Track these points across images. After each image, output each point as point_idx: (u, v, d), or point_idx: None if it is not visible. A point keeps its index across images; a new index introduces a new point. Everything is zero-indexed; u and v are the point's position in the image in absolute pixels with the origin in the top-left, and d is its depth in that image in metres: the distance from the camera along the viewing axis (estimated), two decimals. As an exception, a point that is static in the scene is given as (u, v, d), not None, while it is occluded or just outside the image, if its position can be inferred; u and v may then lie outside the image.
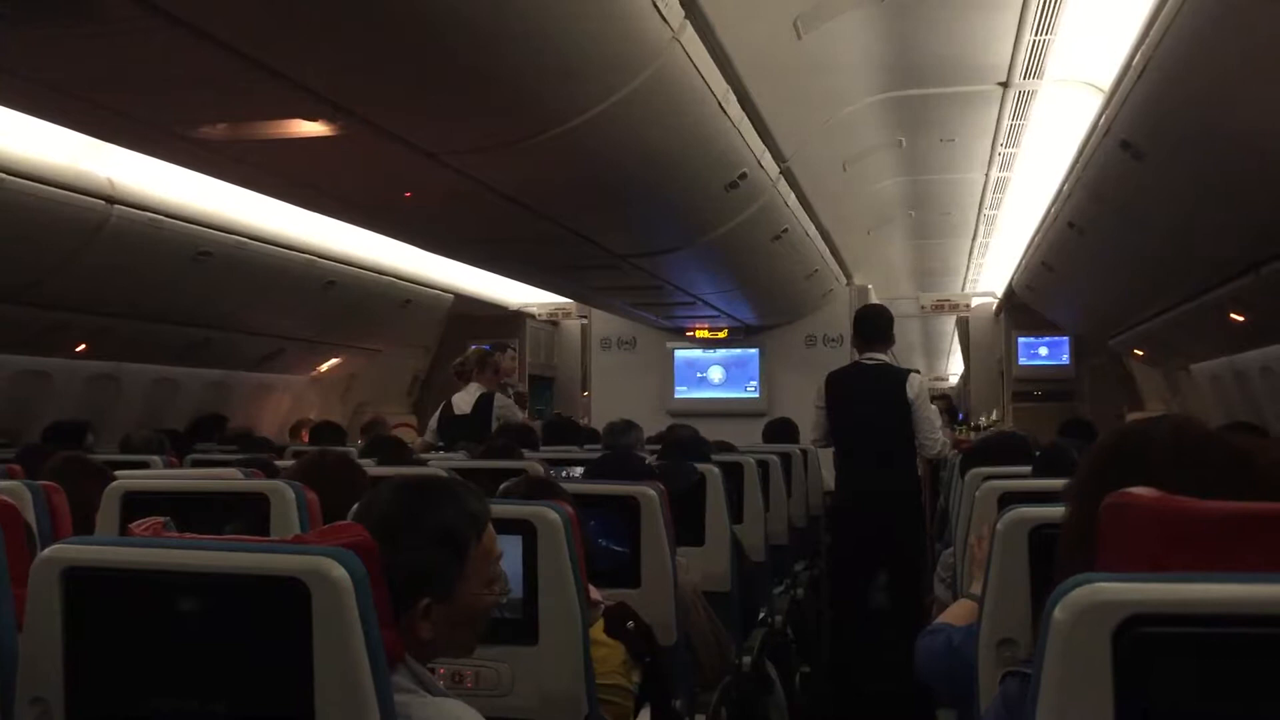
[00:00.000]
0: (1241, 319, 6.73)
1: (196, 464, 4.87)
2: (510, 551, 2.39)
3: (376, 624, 1.48)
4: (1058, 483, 2.68)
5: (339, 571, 1.45)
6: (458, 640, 1.83)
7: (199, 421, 7.52)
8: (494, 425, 6.55)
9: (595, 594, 2.73)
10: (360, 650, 1.45)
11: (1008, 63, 5.68)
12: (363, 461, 4.41)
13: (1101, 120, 4.98)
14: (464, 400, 7.23)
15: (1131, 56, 4.21)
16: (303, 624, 1.44)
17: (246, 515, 2.44)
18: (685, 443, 5.05)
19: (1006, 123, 6.76)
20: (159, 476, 3.70)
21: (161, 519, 1.75)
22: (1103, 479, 1.35)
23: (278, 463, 4.31)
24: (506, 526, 2.38)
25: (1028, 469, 3.62)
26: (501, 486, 2.96)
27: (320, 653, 1.44)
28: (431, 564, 1.76)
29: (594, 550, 3.16)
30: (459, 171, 4.12)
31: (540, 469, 4.22)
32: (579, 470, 4.63)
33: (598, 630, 2.67)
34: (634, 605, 2.92)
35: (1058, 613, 1.12)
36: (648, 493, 3.20)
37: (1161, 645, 1.08)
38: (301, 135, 3.68)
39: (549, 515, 2.42)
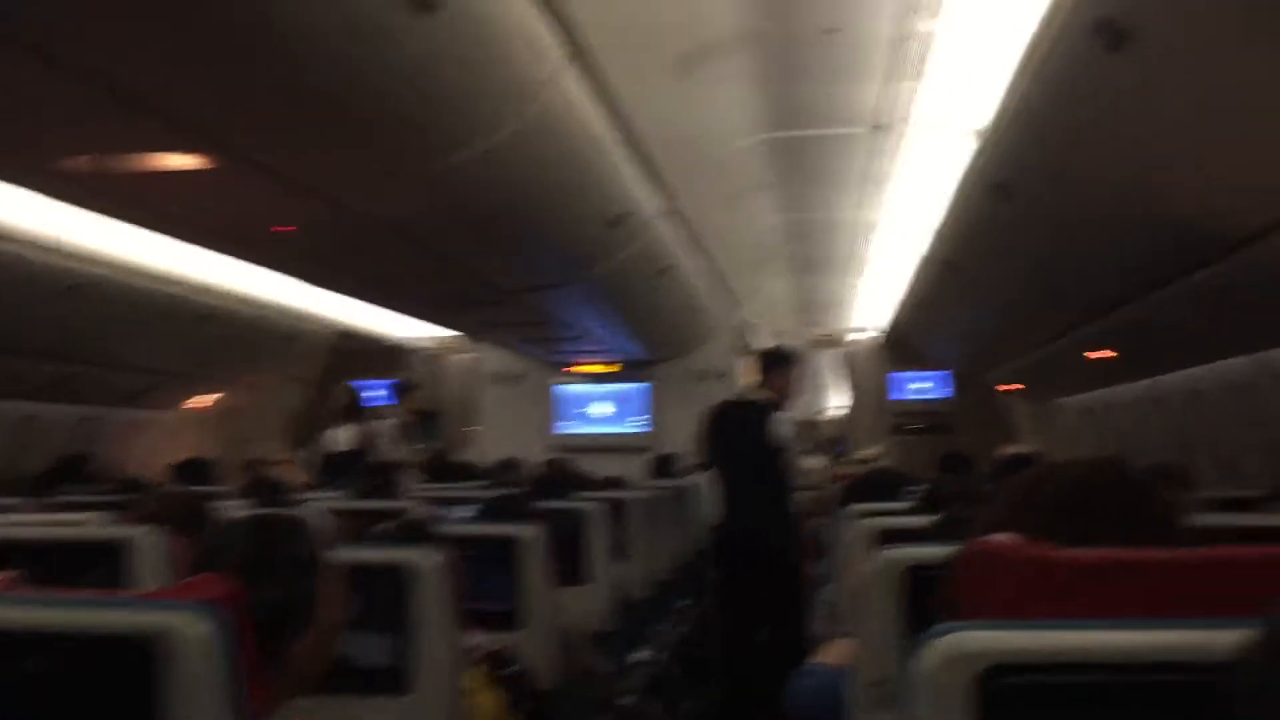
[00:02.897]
0: (1107, 356, 6.98)
1: (55, 508, 4.66)
2: (383, 598, 2.33)
3: (242, 683, 1.42)
4: (923, 519, 2.75)
5: (198, 629, 1.39)
6: (321, 667, 1.79)
7: (62, 461, 7.21)
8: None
9: (472, 639, 2.68)
10: (224, 715, 1.38)
11: (880, 106, 5.84)
12: (238, 503, 4.28)
13: (972, 163, 5.14)
14: (343, 437, 7.10)
15: (1001, 102, 4.35)
16: (156, 689, 1.37)
17: (107, 566, 2.33)
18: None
19: (882, 164, 6.94)
20: (5, 524, 3.51)
21: (14, 573, 1.66)
22: (1016, 523, 1.36)
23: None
24: (378, 573, 2.33)
25: (904, 505, 3.68)
26: (375, 530, 2.90)
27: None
28: (307, 593, 1.74)
29: (473, 593, 3.12)
30: (336, 205, 4.05)
31: (421, 509, 4.15)
32: (465, 510, 4.57)
33: (475, 677, 2.62)
34: (515, 648, 2.88)
35: (923, 661, 1.12)
36: (528, 533, 3.17)
37: (1023, 694, 1.09)
38: (171, 168, 3.58)
39: (422, 561, 2.36)
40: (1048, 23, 3.36)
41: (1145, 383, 7.41)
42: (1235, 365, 5.81)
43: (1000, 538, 1.30)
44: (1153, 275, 4.97)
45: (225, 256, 5.99)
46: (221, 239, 5.24)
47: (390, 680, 2.33)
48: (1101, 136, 3.69)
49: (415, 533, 2.83)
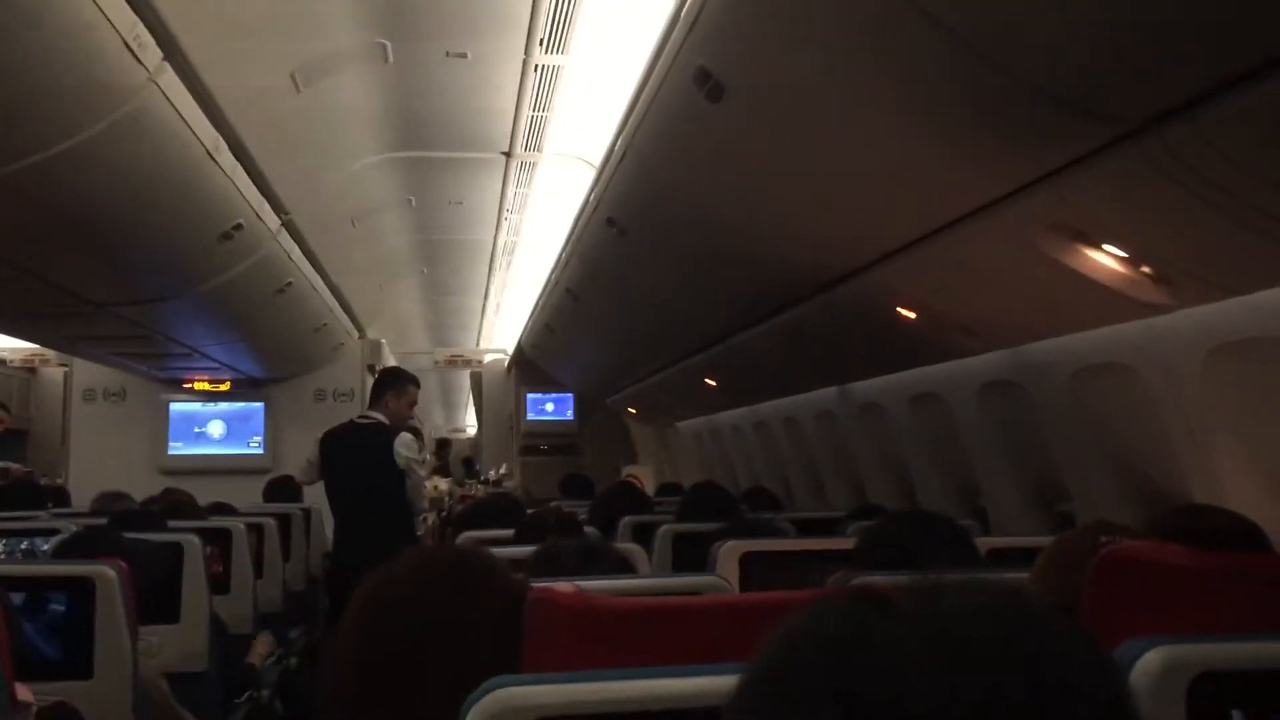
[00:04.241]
0: (714, 384, 7.42)
1: None
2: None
3: None
4: (527, 549, 2.79)
5: None
6: None
7: None
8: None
9: (25, 693, 2.41)
10: None
11: (509, 133, 5.92)
12: None
13: (591, 196, 5.31)
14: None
15: (614, 139, 4.52)
16: None
17: None
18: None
19: (511, 190, 7.03)
20: None
21: None
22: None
23: None
24: (-95, 627, 2.05)
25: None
26: (-84, 574, 2.56)
27: None
28: None
29: (36, 639, 2.85)
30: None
31: (-19, 545, 3.76)
32: (43, 543, 4.17)
33: (27, 737, 2.36)
34: (84, 700, 2.65)
35: (471, 717, 1.12)
36: (105, 573, 2.94)
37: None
38: None
39: (-39, 613, 2.11)
40: (654, 68, 3.52)
41: (749, 409, 7.93)
42: (824, 395, 6.33)
43: (561, 587, 1.32)
44: (750, 312, 5.34)
45: None
46: None
47: (-82, 748, 2.07)
48: (702, 181, 3.91)
49: (-39, 577, 2.53)
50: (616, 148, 4.42)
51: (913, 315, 4.04)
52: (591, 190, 5.31)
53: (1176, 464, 3.36)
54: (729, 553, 2.94)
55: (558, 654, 1.28)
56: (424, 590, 1.31)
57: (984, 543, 3.03)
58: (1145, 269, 2.83)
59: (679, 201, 4.32)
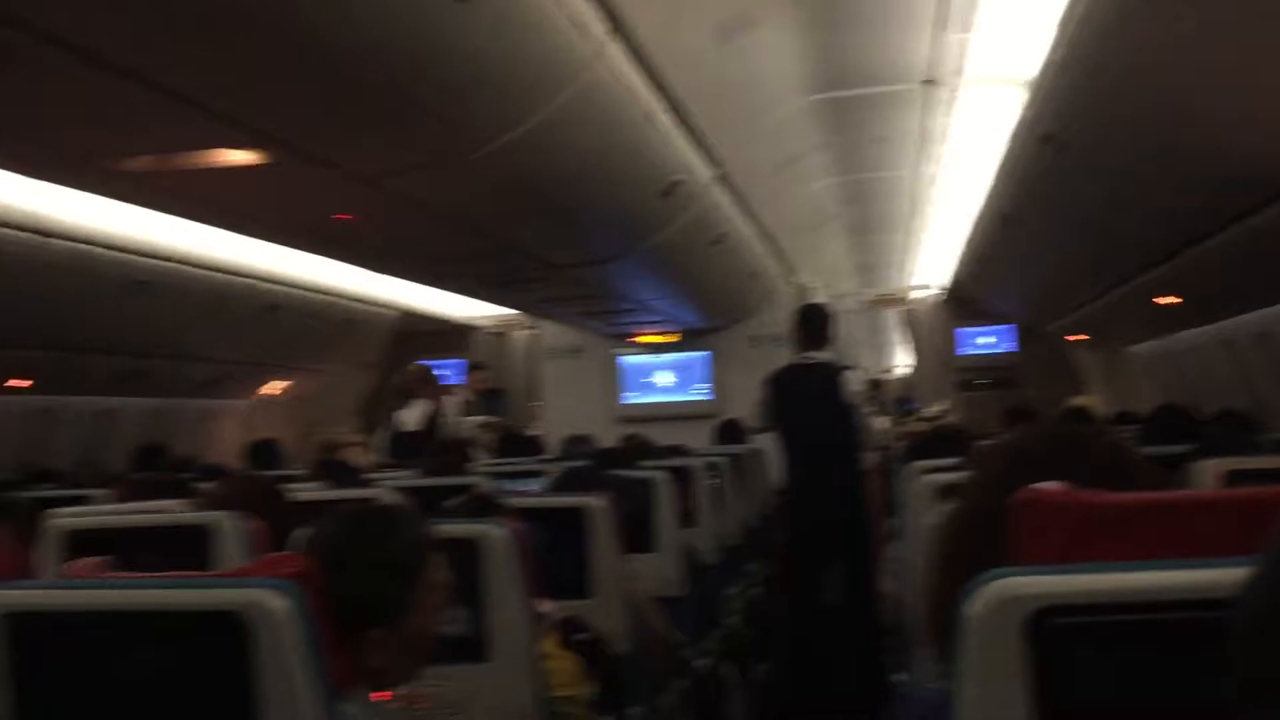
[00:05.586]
0: (1169, 302, 6.89)
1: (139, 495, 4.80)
2: (456, 570, 2.41)
3: (320, 655, 1.48)
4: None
5: (279, 603, 1.46)
6: (406, 667, 1.84)
7: (142, 452, 7.43)
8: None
9: (546, 607, 2.75)
10: (305, 683, 1.45)
11: (930, 61, 5.78)
12: (309, 485, 4.40)
13: (1024, 115, 5.08)
14: (411, 417, 7.23)
15: (1050, 52, 4.30)
16: (245, 659, 1.45)
17: (191, 549, 2.43)
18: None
19: (934, 119, 6.86)
20: (97, 513, 3.65)
21: (100, 559, 1.75)
22: (1003, 484, 1.38)
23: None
24: (451, 546, 2.39)
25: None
26: (445, 505, 2.97)
27: (265, 687, 1.45)
28: (381, 594, 1.77)
29: (544, 563, 3.20)
30: (393, 192, 4.13)
31: (489, 485, 4.24)
32: (534, 483, 4.65)
33: (549, 644, 2.69)
34: (586, 616, 2.95)
35: (971, 608, 1.15)
36: (595, 504, 3.23)
37: (1071, 636, 1.12)
38: (229, 164, 3.68)
39: (493, 533, 2.44)
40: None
41: (1212, 327, 7.29)
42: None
43: (1046, 486, 1.32)
44: (1212, 219, 4.90)
45: (287, 247, 6.12)
46: (282, 230, 5.37)
47: (469, 649, 2.41)
48: (1149, 84, 3.65)
49: (484, 506, 2.90)
50: (1049, 60, 4.22)
51: None
52: (1024, 108, 5.09)
53: None
54: (1207, 472, 2.76)
55: (1047, 550, 1.29)
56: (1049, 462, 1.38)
57: None
58: None
59: (1122, 109, 4.06)
